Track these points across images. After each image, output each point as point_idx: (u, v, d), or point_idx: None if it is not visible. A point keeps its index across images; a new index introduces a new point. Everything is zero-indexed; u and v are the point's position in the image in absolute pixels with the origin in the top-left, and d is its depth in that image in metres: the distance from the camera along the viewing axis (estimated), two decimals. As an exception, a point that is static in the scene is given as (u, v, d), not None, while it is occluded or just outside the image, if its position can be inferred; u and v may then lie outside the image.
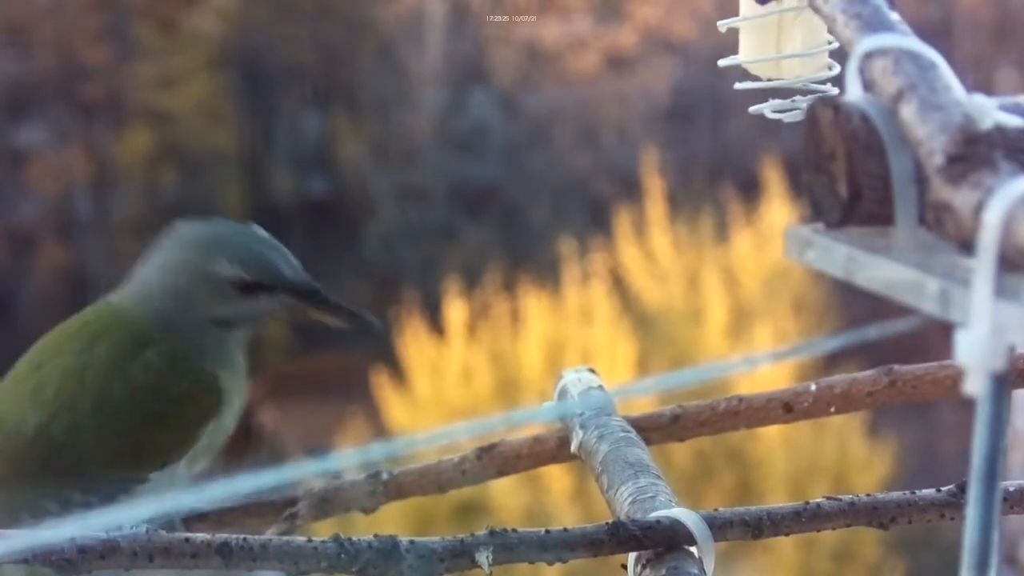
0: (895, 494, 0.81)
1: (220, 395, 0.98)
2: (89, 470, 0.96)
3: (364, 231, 7.40)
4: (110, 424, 0.97)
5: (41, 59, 7.99)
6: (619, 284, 6.04)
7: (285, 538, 0.74)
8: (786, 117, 0.82)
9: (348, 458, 0.85)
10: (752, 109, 0.82)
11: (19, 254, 7.72)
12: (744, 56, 0.82)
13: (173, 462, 0.98)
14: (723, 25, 0.83)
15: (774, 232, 5.90)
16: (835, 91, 0.81)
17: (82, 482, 0.96)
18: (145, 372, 0.97)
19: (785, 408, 0.96)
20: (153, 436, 0.97)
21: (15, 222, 7.80)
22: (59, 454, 0.96)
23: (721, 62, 0.84)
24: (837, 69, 0.81)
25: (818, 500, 0.80)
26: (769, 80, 0.82)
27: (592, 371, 0.98)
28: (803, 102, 0.82)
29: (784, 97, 0.82)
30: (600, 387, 0.96)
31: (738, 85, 0.83)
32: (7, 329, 7.07)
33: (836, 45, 0.80)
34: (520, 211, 7.65)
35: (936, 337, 0.58)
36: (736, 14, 0.83)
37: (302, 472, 0.92)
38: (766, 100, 0.82)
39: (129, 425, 0.97)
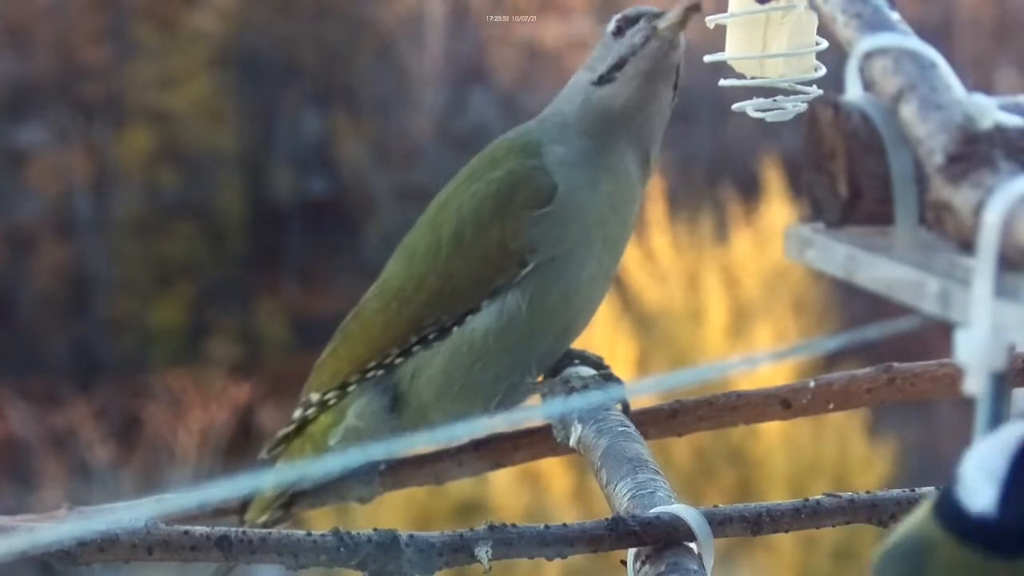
0: (895, 492, 0.81)
1: (548, 185, 0.93)
2: (436, 303, 0.94)
3: (364, 231, 7.40)
4: (455, 242, 0.94)
5: (41, 59, 7.98)
6: (619, 284, 6.04)
7: (284, 531, 0.74)
8: (768, 116, 0.82)
9: (348, 457, 0.85)
10: (735, 107, 0.82)
11: (19, 254, 7.72)
12: (729, 53, 0.83)
13: (505, 280, 0.93)
14: (711, 21, 0.83)
15: (774, 232, 5.90)
16: (819, 92, 0.81)
17: (428, 321, 0.95)
18: (487, 185, 0.95)
19: (783, 404, 0.96)
20: (479, 239, 0.93)
21: (15, 222, 7.80)
22: (412, 298, 0.95)
23: (707, 58, 0.84)
24: (823, 71, 0.81)
25: (818, 497, 0.80)
26: (753, 78, 0.82)
27: (600, 360, 0.98)
28: (786, 102, 0.82)
29: (775, 96, 0.83)
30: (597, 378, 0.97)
31: (722, 82, 0.83)
32: (7, 329, 7.07)
33: (824, 46, 0.81)
34: (520, 211, 7.64)
35: (936, 336, 0.58)
36: (734, 13, 0.83)
37: (302, 471, 0.93)
38: (751, 98, 0.83)
39: (464, 235, 0.94)
